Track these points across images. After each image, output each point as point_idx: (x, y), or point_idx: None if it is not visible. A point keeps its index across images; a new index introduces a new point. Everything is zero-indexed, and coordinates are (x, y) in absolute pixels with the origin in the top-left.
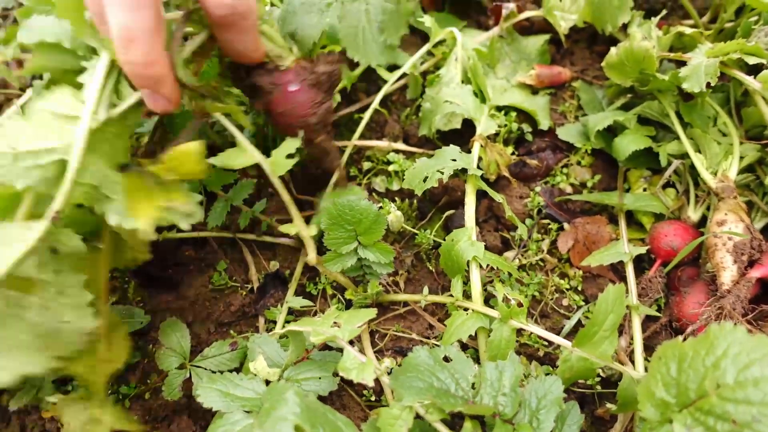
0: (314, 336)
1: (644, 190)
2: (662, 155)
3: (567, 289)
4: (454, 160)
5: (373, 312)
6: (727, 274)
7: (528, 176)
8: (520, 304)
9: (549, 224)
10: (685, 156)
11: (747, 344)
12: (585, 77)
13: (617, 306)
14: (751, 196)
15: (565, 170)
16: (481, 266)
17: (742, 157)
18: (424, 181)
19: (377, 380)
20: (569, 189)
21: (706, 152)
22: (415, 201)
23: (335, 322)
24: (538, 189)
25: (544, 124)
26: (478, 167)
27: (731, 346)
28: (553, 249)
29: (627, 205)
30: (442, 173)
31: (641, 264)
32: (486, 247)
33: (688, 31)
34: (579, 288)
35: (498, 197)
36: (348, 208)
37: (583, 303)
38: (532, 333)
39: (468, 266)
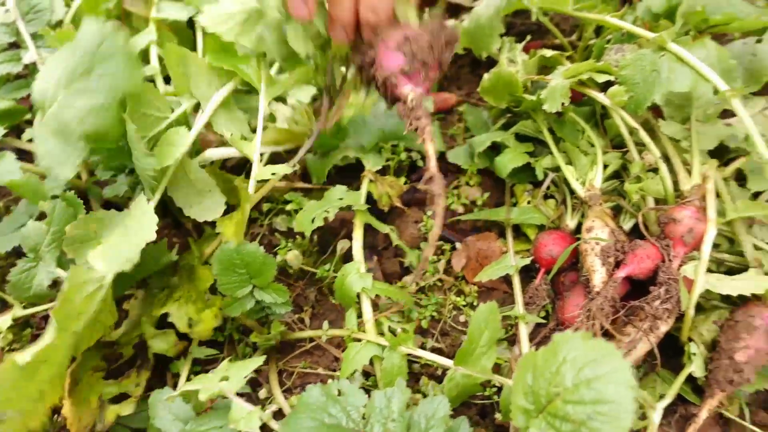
0: (203, 394)
1: (528, 203)
2: (538, 170)
3: (463, 306)
4: (341, 198)
5: (259, 360)
6: (598, 277)
7: (421, 201)
8: (405, 331)
9: (443, 245)
10: (559, 169)
11: (583, 349)
12: (471, 100)
13: (491, 322)
14: (619, 200)
15: (456, 191)
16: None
17: (606, 166)
18: (312, 221)
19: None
20: (461, 209)
21: (576, 164)
22: (315, 237)
23: (224, 377)
24: (429, 213)
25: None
26: (373, 200)
27: (570, 351)
28: (450, 268)
29: (513, 219)
30: (328, 213)
31: (532, 273)
32: (385, 274)
33: (549, 53)
34: (474, 303)
35: (384, 228)
36: (236, 253)
37: None
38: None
39: (359, 298)
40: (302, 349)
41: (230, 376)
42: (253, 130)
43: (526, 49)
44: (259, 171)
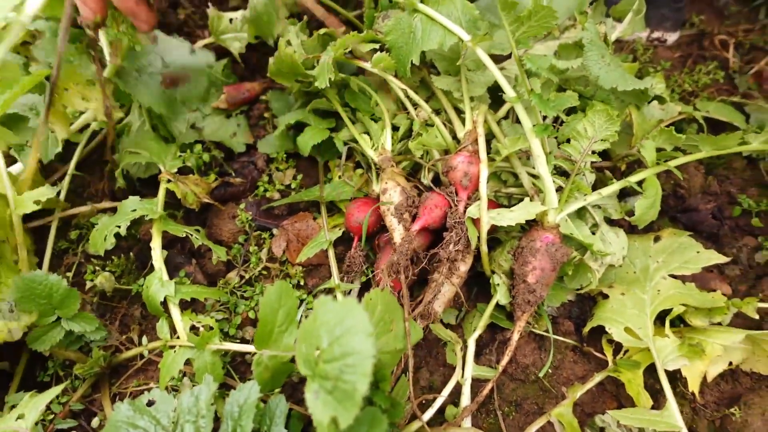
0: None
1: (339, 177)
2: (338, 143)
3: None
4: (134, 210)
5: (56, 390)
6: (397, 234)
7: (235, 194)
8: (209, 328)
9: (262, 234)
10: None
11: (333, 310)
12: (275, 86)
13: (285, 300)
14: (413, 158)
15: (266, 179)
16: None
17: (398, 128)
18: (105, 240)
19: None
20: (277, 195)
21: (371, 131)
22: (131, 254)
23: (20, 414)
24: (242, 206)
25: (238, 146)
26: (175, 203)
27: (324, 314)
28: (273, 255)
29: (326, 196)
30: (119, 228)
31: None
32: (208, 274)
33: (323, 31)
34: (301, 283)
35: (180, 232)
36: (36, 283)
37: (306, 295)
38: None
39: (167, 306)
40: (135, 368)
41: (26, 412)
42: None
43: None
44: (17, 203)
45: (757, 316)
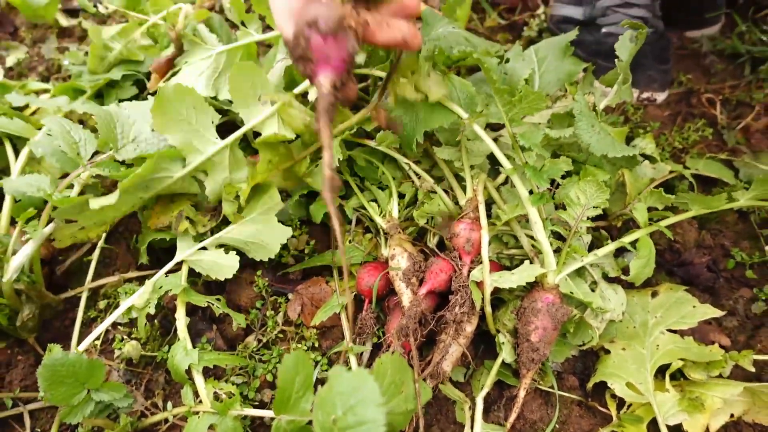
0: None
1: (350, 242)
2: (348, 210)
3: (306, 350)
4: (161, 287)
5: None
6: (405, 298)
7: (253, 262)
8: (230, 395)
9: (278, 299)
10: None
11: (347, 380)
12: None
13: (302, 367)
14: (420, 224)
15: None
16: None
17: (404, 196)
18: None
19: None
20: (292, 261)
21: (378, 199)
22: (156, 321)
23: None
24: (259, 272)
25: None
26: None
27: (339, 385)
28: (288, 319)
29: (337, 261)
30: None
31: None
32: (227, 339)
33: None
34: (316, 345)
35: (202, 302)
36: (60, 365)
37: (320, 356)
38: None
39: (190, 373)
40: None
41: None
42: None
43: None
44: None
45: (753, 369)
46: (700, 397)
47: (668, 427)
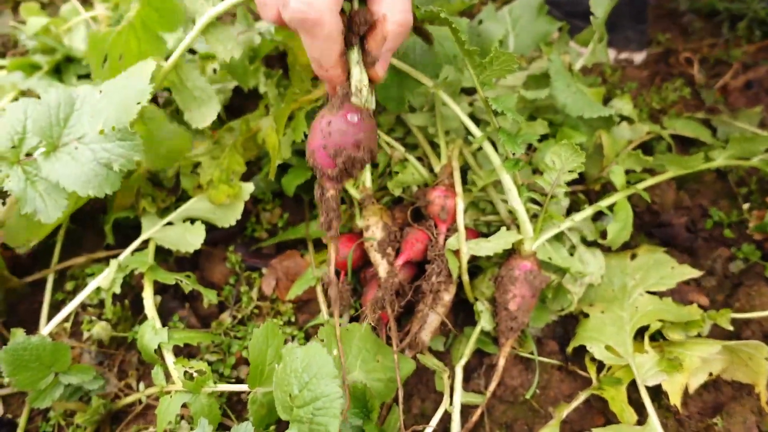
0: None
1: None
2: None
3: (281, 325)
4: (127, 266)
5: None
6: (382, 269)
7: (225, 237)
8: (202, 372)
9: (252, 274)
10: None
11: (300, 356)
12: None
13: (272, 339)
14: (396, 194)
15: (254, 220)
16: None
17: (376, 165)
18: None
19: None
20: (265, 235)
21: None
22: (126, 301)
23: None
24: (231, 248)
25: None
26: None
27: (292, 361)
28: (264, 294)
29: (312, 233)
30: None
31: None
32: (201, 317)
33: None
34: (292, 319)
35: (171, 280)
36: (22, 350)
37: (297, 331)
38: None
39: (161, 352)
40: (135, 413)
41: None
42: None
43: None
44: None
45: (731, 328)
46: (679, 357)
47: (647, 387)
